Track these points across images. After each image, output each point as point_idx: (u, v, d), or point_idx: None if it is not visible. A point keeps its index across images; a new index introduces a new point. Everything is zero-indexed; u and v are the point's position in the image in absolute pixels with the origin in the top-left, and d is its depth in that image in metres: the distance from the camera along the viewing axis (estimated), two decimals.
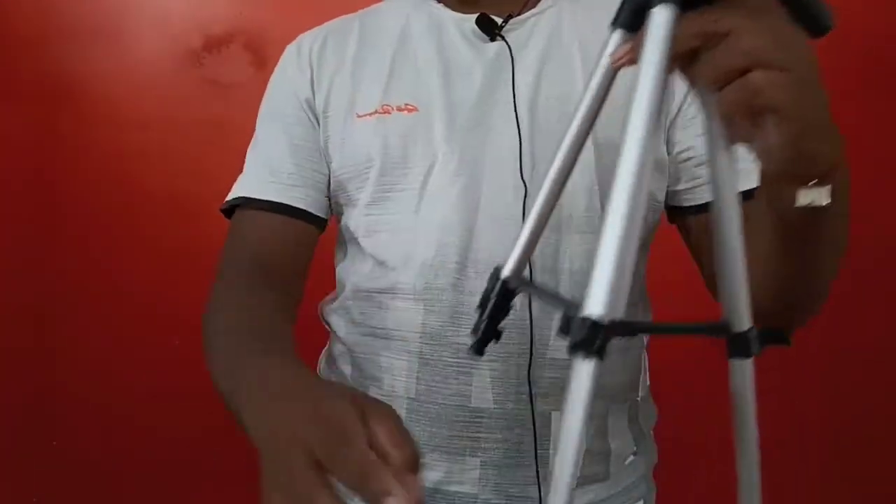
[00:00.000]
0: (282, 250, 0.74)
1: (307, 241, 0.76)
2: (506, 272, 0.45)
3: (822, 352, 1.66)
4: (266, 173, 0.75)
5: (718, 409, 1.87)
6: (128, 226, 1.74)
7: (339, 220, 0.79)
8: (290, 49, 0.79)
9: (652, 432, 0.81)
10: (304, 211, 0.74)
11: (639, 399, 0.76)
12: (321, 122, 0.75)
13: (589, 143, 0.68)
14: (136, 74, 1.73)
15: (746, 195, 0.61)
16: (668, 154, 0.73)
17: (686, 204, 0.73)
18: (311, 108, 0.76)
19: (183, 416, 1.73)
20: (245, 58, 1.73)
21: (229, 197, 0.77)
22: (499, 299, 0.45)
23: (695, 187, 0.72)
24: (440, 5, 0.77)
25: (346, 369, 0.77)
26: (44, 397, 1.76)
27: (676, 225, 0.77)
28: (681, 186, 0.73)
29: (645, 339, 0.78)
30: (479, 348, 0.47)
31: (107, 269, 1.74)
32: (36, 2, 1.72)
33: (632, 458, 0.76)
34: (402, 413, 0.68)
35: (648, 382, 0.79)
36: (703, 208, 0.72)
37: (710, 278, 0.72)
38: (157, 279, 1.72)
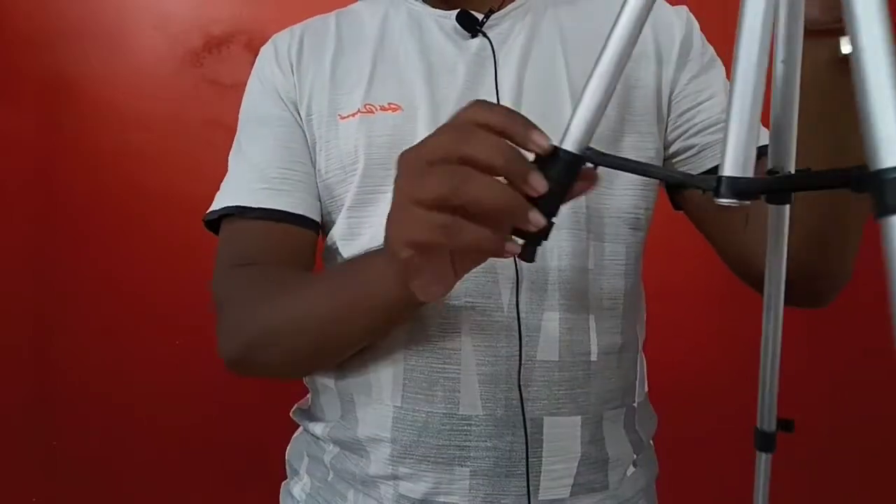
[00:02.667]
0: (282, 260, 0.71)
1: (307, 247, 0.73)
2: (568, 144, 0.42)
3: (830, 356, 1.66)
4: (256, 179, 0.72)
5: (721, 417, 1.87)
6: (128, 225, 1.74)
7: (324, 231, 0.76)
8: (267, 51, 0.77)
9: (652, 442, 0.79)
10: (302, 216, 0.72)
11: (635, 405, 0.74)
12: (305, 126, 0.73)
13: None
14: (137, 74, 1.73)
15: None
16: (672, 139, 0.73)
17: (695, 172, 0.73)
18: (297, 110, 0.73)
19: (183, 416, 1.73)
20: (245, 58, 1.73)
21: (217, 206, 0.73)
22: (562, 176, 0.42)
23: (700, 152, 0.72)
24: (418, 2, 0.75)
25: (331, 378, 0.74)
26: (44, 397, 1.76)
27: (685, 208, 0.76)
28: (684, 156, 0.73)
29: (640, 341, 0.76)
30: (530, 254, 0.45)
31: (107, 268, 1.74)
32: (36, 2, 1.72)
33: (632, 469, 0.73)
34: (388, 422, 0.67)
35: (647, 388, 0.77)
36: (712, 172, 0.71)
37: (735, 252, 0.71)
38: (157, 279, 1.72)
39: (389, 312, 0.60)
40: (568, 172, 0.41)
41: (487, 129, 0.43)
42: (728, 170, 0.36)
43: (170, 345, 1.71)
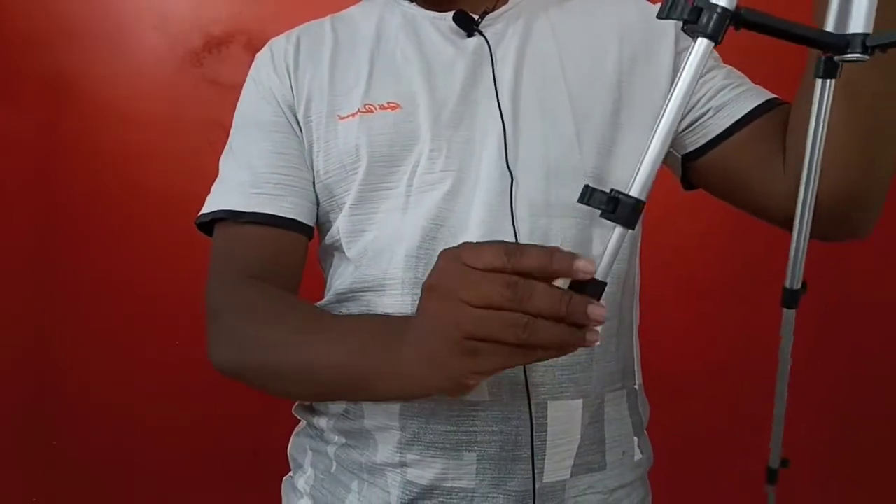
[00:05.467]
0: (276, 264, 0.72)
1: (299, 251, 0.75)
2: (635, 191, 0.45)
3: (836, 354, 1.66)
4: (250, 184, 0.73)
5: (714, 406, 1.86)
6: (128, 226, 1.74)
7: (321, 231, 0.77)
8: (263, 55, 0.78)
9: (646, 431, 0.80)
10: (294, 220, 0.73)
11: (636, 387, 0.76)
12: (303, 128, 0.74)
13: (573, 134, 0.70)
14: (137, 74, 1.74)
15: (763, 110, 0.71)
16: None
17: (701, 142, 0.73)
18: (294, 114, 0.75)
19: (183, 415, 1.74)
20: (245, 58, 1.73)
21: (209, 209, 0.74)
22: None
23: (716, 112, 0.72)
24: (412, 4, 0.77)
25: None
26: (44, 397, 1.76)
27: (707, 178, 0.76)
28: (702, 120, 0.73)
29: (636, 324, 0.77)
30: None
31: (107, 268, 1.74)
32: (36, 2, 1.72)
33: (639, 454, 0.76)
34: (395, 410, 0.68)
35: (641, 377, 0.79)
36: (719, 140, 0.72)
37: (777, 201, 0.69)
38: (157, 279, 1.73)
39: (397, 399, 0.66)
40: (635, 216, 0.45)
41: (530, 275, 0.46)
42: (857, 28, 0.43)
43: (169, 344, 1.71)
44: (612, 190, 0.45)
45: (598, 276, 0.47)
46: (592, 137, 0.71)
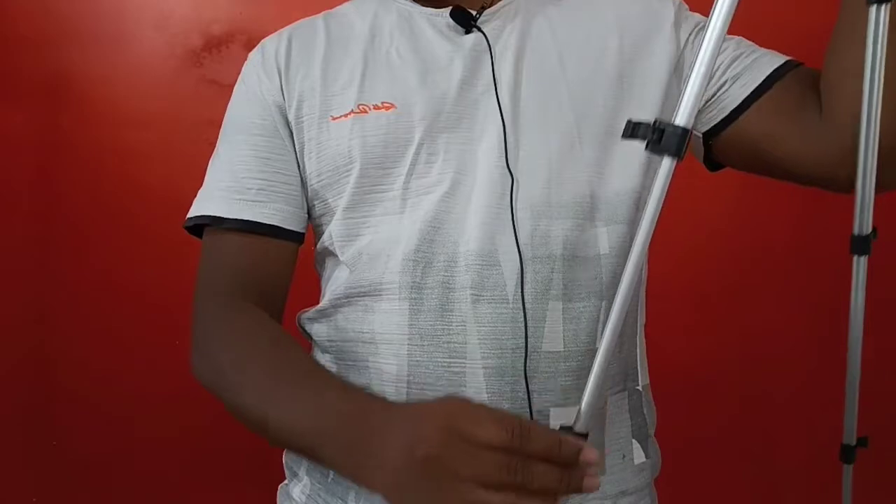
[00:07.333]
0: (259, 272, 0.71)
1: (284, 258, 0.73)
2: (681, 120, 0.44)
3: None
4: (232, 190, 0.72)
5: (718, 408, 1.85)
6: (128, 226, 1.74)
7: (315, 236, 0.76)
8: (255, 56, 0.77)
9: (653, 436, 0.78)
10: (277, 227, 0.71)
11: (639, 388, 0.74)
12: (294, 129, 0.73)
13: (574, 132, 0.69)
14: (137, 74, 1.73)
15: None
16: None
17: (721, 116, 0.72)
18: (283, 115, 0.73)
19: (183, 417, 1.73)
20: (245, 58, 1.73)
21: (192, 214, 0.74)
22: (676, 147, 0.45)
23: (734, 82, 0.71)
24: (408, 1, 0.75)
25: None
26: (44, 397, 1.76)
27: (735, 148, 0.73)
28: (720, 92, 0.72)
29: (641, 325, 0.76)
30: None
31: (107, 269, 1.74)
32: (37, 2, 1.72)
33: (643, 460, 0.74)
34: None
35: (648, 377, 0.77)
36: (740, 110, 0.70)
37: (815, 151, 0.68)
38: (157, 279, 1.72)
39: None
40: (682, 145, 0.44)
41: (539, 457, 0.46)
42: None
43: (169, 345, 1.70)
44: (656, 121, 0.43)
45: (647, 218, 0.45)
46: (594, 135, 0.70)
